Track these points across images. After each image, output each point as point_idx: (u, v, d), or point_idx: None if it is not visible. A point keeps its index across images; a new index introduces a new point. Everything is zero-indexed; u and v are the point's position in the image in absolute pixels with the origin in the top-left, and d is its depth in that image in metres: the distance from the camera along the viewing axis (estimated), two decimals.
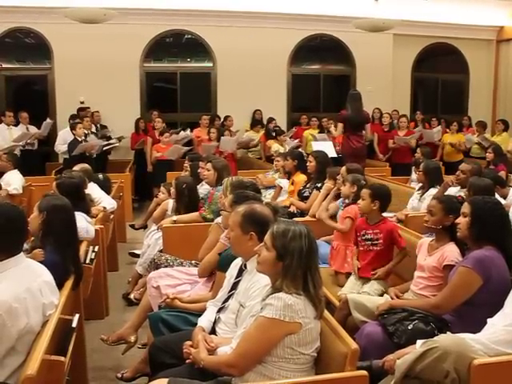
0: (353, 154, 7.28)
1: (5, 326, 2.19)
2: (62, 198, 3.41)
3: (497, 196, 4.36)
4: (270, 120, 10.09)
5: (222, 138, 8.39)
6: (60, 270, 2.88)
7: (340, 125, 7.86)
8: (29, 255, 2.86)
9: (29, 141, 8.62)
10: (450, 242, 3.22)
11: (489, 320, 2.56)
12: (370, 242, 3.75)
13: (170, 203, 5.19)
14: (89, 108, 9.71)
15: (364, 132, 7.97)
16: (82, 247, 3.71)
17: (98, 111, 9.78)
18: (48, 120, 9.03)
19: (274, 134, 9.29)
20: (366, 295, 3.49)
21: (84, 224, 3.96)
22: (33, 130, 8.88)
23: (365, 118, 7.90)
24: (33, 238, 3.30)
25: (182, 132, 9.18)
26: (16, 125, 8.75)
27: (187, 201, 4.94)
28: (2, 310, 2.18)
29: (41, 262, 2.70)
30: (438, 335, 2.61)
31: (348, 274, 4.03)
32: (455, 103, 12.25)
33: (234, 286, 2.73)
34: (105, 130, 9.45)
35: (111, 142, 8.95)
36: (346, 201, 4.48)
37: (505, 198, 5.06)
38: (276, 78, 10.86)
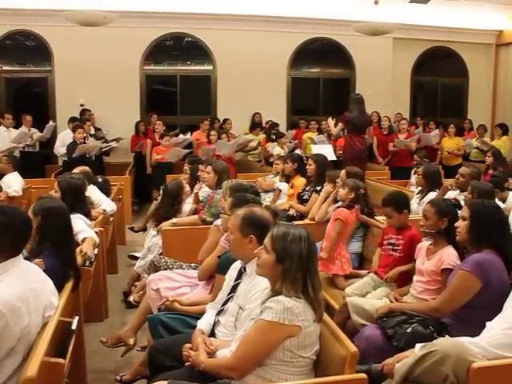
0: (355, 156, 7.26)
1: (8, 325, 2.19)
2: (56, 201, 3.40)
3: (496, 200, 4.37)
4: (273, 125, 10.09)
5: (218, 141, 8.40)
6: (59, 274, 2.88)
7: (339, 125, 7.86)
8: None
9: (28, 142, 8.63)
10: (448, 245, 3.23)
11: (488, 323, 2.56)
12: (391, 247, 3.73)
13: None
14: (90, 111, 9.72)
15: (366, 135, 7.98)
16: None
17: (92, 113, 9.75)
18: (51, 123, 9.05)
19: (274, 137, 9.29)
20: (367, 299, 3.49)
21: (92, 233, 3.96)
22: (36, 133, 8.88)
23: (368, 120, 7.91)
24: (29, 242, 3.28)
25: (181, 135, 9.19)
26: (16, 127, 8.75)
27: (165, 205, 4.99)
28: (6, 309, 2.18)
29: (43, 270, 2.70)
30: (437, 338, 2.61)
31: (339, 276, 4.11)
32: (455, 107, 12.26)
33: (234, 289, 2.74)
34: (98, 131, 9.42)
35: (110, 144, 8.95)
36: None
37: (504, 201, 5.07)
38: (276, 81, 10.88)
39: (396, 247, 3.70)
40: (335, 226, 4.23)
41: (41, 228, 3.06)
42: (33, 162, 8.64)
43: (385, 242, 3.81)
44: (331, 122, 8.08)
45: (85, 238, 3.79)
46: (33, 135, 8.76)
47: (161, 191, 5.65)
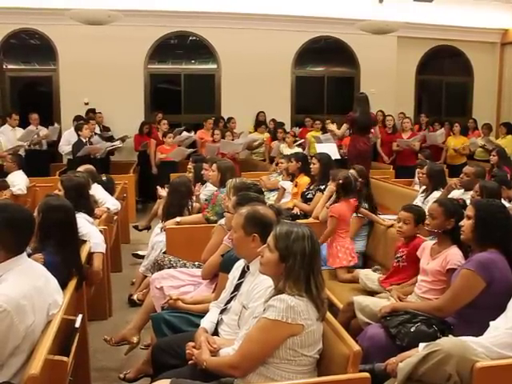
0: (359, 156, 7.25)
1: (13, 323, 2.19)
2: (61, 199, 3.40)
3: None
4: (278, 125, 10.09)
5: (222, 140, 8.42)
6: (61, 271, 2.87)
7: (344, 125, 7.85)
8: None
9: (35, 136, 8.63)
10: (453, 245, 3.22)
11: (491, 323, 2.55)
12: (398, 260, 3.71)
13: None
14: (94, 110, 9.74)
15: (371, 134, 7.95)
16: (85, 248, 3.71)
17: (100, 112, 9.81)
18: (56, 125, 9.07)
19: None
20: (373, 298, 3.48)
21: (99, 239, 3.96)
22: (42, 131, 8.90)
23: (372, 120, 7.89)
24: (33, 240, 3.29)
25: (184, 132, 9.19)
26: (22, 125, 8.77)
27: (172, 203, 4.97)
28: (11, 308, 2.18)
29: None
30: (440, 338, 2.60)
31: (345, 268, 4.19)
32: (459, 106, 12.25)
33: (237, 288, 2.74)
34: (104, 132, 9.43)
35: (115, 143, 8.97)
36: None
37: (510, 200, 5.04)
38: (280, 80, 10.87)
39: (400, 259, 3.68)
40: (330, 223, 4.31)
41: (42, 225, 3.06)
42: (38, 161, 8.65)
43: (394, 258, 3.78)
44: (332, 127, 8.09)
45: (93, 253, 3.79)
46: (39, 132, 8.78)
47: (165, 189, 5.66)
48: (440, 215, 3.27)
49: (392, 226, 4.43)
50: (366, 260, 4.64)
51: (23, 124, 8.85)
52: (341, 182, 4.43)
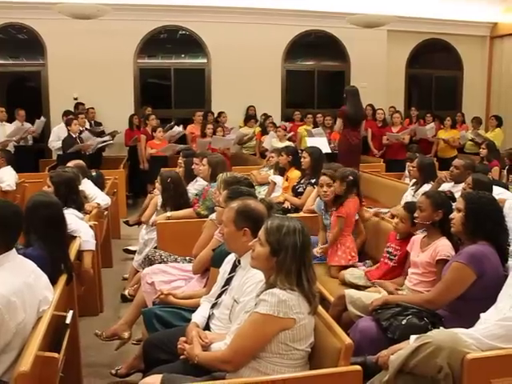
0: (350, 150, 7.25)
1: (3, 320, 2.18)
2: (48, 195, 3.38)
3: None
4: (266, 117, 10.08)
5: (213, 136, 8.40)
6: (48, 267, 2.85)
7: (339, 120, 7.84)
8: None
9: (24, 135, 8.58)
10: (442, 236, 3.24)
11: (482, 315, 2.57)
12: (388, 255, 3.72)
13: (160, 198, 5.16)
14: (84, 105, 9.67)
15: (362, 128, 7.96)
16: (75, 245, 3.68)
17: (92, 108, 9.75)
18: (42, 118, 9.00)
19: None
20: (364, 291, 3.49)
21: (89, 236, 3.93)
22: (30, 128, 8.83)
23: (363, 114, 7.88)
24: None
25: (176, 127, 9.15)
26: (10, 121, 8.71)
27: (173, 194, 4.92)
28: (1, 305, 2.17)
29: (29, 259, 2.67)
30: (431, 330, 2.62)
31: (341, 267, 4.11)
32: (449, 99, 12.27)
33: (228, 282, 2.73)
34: (95, 127, 9.38)
35: (105, 139, 8.91)
36: None
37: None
38: (270, 74, 10.84)
39: (392, 256, 3.69)
40: (338, 224, 4.19)
41: (29, 221, 3.02)
42: (26, 157, 8.59)
43: (385, 250, 3.80)
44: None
45: (83, 251, 3.78)
46: (29, 129, 8.72)
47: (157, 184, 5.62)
48: (428, 207, 3.30)
49: (377, 215, 4.46)
50: (359, 254, 4.63)
51: (12, 120, 8.78)
52: (351, 178, 4.27)
